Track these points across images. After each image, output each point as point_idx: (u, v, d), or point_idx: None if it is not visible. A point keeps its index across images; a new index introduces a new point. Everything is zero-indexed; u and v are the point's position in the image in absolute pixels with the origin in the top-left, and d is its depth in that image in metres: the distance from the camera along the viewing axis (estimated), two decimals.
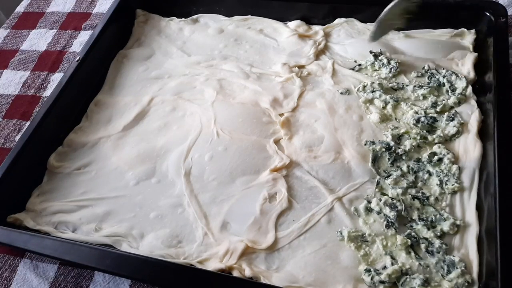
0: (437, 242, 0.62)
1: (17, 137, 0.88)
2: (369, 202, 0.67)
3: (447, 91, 0.79)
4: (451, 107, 0.77)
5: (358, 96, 0.81)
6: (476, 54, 0.82)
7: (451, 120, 0.74)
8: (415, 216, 0.65)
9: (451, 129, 0.73)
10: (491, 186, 0.63)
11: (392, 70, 0.82)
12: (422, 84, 0.81)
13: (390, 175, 0.70)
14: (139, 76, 0.93)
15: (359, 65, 0.86)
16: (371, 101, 0.80)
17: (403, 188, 0.67)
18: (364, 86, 0.81)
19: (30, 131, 0.78)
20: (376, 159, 0.72)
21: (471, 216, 0.64)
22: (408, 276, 0.60)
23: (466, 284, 0.58)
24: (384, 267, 0.61)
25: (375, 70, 0.85)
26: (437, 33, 0.89)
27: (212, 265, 0.63)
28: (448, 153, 0.70)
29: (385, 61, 0.83)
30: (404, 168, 0.70)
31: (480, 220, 0.63)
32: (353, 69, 0.86)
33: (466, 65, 0.81)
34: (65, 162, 0.80)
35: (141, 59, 0.96)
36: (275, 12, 0.97)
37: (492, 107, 0.71)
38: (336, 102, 0.81)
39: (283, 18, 0.97)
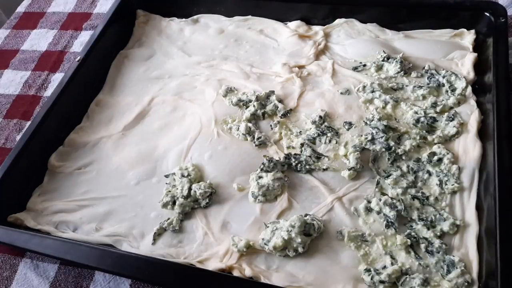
0: (437, 242, 0.62)
1: (18, 137, 0.88)
2: (369, 202, 0.67)
3: (446, 91, 0.79)
4: (451, 107, 0.77)
5: (358, 96, 0.81)
6: (475, 54, 0.82)
7: (451, 120, 0.74)
8: (415, 216, 0.65)
9: (450, 129, 0.73)
10: (491, 186, 0.63)
11: (402, 68, 0.82)
12: (422, 84, 0.81)
13: (390, 175, 0.70)
14: (139, 76, 0.93)
15: (364, 65, 0.86)
16: (371, 101, 0.80)
17: (403, 188, 0.68)
18: (364, 86, 0.81)
19: (30, 131, 0.78)
20: (376, 159, 0.72)
21: (471, 216, 0.64)
22: (408, 276, 0.60)
23: (466, 284, 0.58)
24: (384, 267, 0.61)
25: (379, 69, 0.85)
26: (437, 33, 0.89)
27: (212, 265, 0.63)
28: (447, 153, 0.70)
29: (397, 59, 0.83)
30: (404, 168, 0.71)
31: (479, 220, 0.63)
32: (356, 68, 0.86)
33: (465, 65, 0.81)
34: (66, 162, 0.81)
35: (141, 59, 0.97)
36: (275, 13, 0.98)
37: (491, 107, 0.71)
38: (336, 102, 0.81)
39: (283, 18, 0.97)
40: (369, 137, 0.74)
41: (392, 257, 0.62)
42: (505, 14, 0.81)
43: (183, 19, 1.03)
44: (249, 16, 1.00)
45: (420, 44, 0.88)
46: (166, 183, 0.74)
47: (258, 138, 0.77)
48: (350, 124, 0.77)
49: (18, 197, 0.76)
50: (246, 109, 0.82)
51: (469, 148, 0.70)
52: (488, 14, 0.83)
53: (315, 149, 0.75)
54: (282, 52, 0.92)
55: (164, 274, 0.60)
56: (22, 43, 1.10)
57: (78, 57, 0.89)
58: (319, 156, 0.73)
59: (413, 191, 0.68)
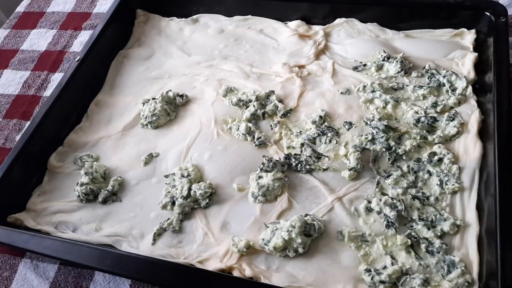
0: (437, 242, 0.62)
1: (17, 137, 0.88)
2: (369, 202, 0.67)
3: (447, 91, 0.79)
4: (451, 107, 0.77)
5: (358, 96, 0.81)
6: (476, 54, 0.82)
7: (451, 120, 0.74)
8: (415, 216, 0.65)
9: (451, 129, 0.73)
10: (491, 186, 0.63)
11: (403, 67, 0.82)
12: (422, 84, 0.81)
13: (390, 175, 0.70)
14: (139, 76, 0.93)
15: (364, 65, 0.86)
16: (371, 101, 0.80)
17: (403, 188, 0.67)
18: (364, 86, 0.81)
19: (30, 131, 0.78)
20: (376, 159, 0.72)
21: (471, 216, 0.64)
22: (408, 276, 0.60)
23: (466, 284, 0.58)
24: (384, 267, 0.61)
25: (379, 69, 0.84)
26: (437, 33, 0.89)
27: (212, 265, 0.63)
28: (448, 153, 0.70)
29: (397, 59, 0.83)
30: (404, 168, 0.70)
31: (480, 220, 0.63)
32: (356, 68, 0.86)
33: (466, 65, 0.81)
34: (66, 162, 0.80)
35: (141, 59, 0.96)
36: (275, 12, 0.97)
37: (492, 107, 0.71)
38: (336, 102, 0.81)
39: (283, 18, 0.97)
40: (370, 137, 0.74)
41: (393, 257, 0.62)
42: (505, 14, 0.81)
43: (183, 19, 1.03)
44: (249, 16, 1.00)
45: (420, 43, 0.87)
46: (166, 184, 0.74)
47: (258, 138, 0.77)
48: (350, 124, 0.77)
49: (17, 197, 0.76)
50: (246, 109, 0.82)
51: (469, 148, 0.70)
52: (488, 14, 0.83)
53: (315, 149, 0.75)
54: (282, 51, 0.92)
55: (164, 274, 0.60)
56: (21, 43, 1.09)
57: (78, 57, 0.89)
58: (319, 156, 0.73)
59: (413, 191, 0.68)
